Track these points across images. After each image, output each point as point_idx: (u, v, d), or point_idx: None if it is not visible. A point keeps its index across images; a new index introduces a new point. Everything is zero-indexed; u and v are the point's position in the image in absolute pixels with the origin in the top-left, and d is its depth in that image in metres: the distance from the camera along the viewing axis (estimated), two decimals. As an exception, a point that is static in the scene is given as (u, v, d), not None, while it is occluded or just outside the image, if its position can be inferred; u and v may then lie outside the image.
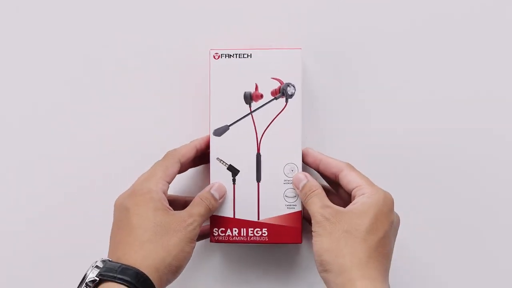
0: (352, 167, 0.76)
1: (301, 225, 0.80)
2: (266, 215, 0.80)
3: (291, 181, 0.79)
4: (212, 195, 0.76)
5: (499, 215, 0.85)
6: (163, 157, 0.76)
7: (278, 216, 0.80)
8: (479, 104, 0.84)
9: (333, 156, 0.79)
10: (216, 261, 0.85)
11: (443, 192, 0.84)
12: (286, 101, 0.80)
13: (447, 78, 0.84)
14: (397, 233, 0.74)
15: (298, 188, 0.77)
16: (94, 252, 0.71)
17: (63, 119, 0.85)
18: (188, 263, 0.71)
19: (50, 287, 0.85)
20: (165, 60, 0.84)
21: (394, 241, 0.73)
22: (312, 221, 0.72)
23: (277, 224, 0.80)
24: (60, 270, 0.85)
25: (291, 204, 0.80)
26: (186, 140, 0.80)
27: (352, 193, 0.74)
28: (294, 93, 0.79)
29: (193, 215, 0.73)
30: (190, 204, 0.75)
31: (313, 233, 0.71)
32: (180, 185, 0.84)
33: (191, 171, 0.82)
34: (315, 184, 0.76)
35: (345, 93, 0.84)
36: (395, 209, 0.73)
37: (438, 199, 0.84)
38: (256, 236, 0.80)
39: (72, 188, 0.85)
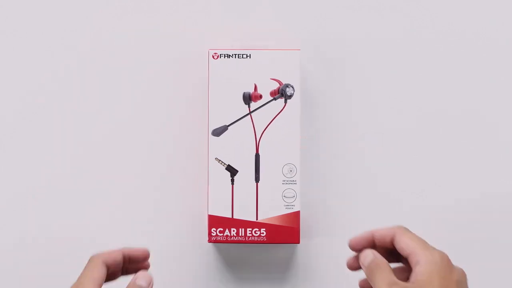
0: (403, 230, 0.69)
1: (299, 225, 0.80)
2: (265, 215, 0.80)
3: (289, 181, 0.79)
4: (140, 286, 0.73)
5: None
6: (87, 264, 0.70)
7: (277, 216, 0.80)
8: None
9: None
10: (213, 261, 0.85)
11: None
12: (285, 102, 0.80)
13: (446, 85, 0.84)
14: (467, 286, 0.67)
15: (363, 265, 0.69)
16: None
17: (60, 120, 0.84)
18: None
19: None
20: (164, 60, 0.84)
21: None
22: None
23: (276, 224, 0.80)
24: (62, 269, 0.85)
25: (290, 204, 0.80)
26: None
27: (409, 261, 0.68)
28: (293, 94, 0.79)
29: None
30: None
31: None
32: (175, 185, 0.84)
33: (187, 169, 0.83)
34: (382, 260, 0.68)
35: (344, 94, 0.84)
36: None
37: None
38: (255, 236, 0.80)
39: (68, 186, 0.85)
